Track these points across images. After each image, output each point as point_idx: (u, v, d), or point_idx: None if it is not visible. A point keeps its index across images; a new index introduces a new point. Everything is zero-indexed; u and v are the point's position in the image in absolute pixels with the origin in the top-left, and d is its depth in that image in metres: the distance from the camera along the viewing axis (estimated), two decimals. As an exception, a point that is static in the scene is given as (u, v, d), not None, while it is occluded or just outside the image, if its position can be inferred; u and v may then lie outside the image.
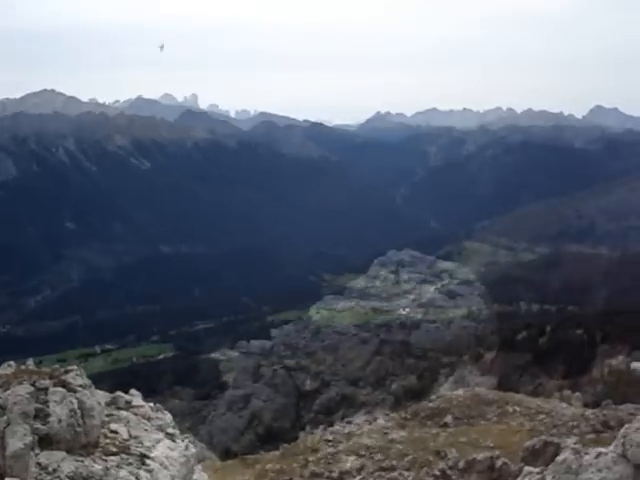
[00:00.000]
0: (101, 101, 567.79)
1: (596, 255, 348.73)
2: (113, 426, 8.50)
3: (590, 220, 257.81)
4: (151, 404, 9.34)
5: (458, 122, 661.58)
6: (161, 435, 8.69)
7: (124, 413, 8.89)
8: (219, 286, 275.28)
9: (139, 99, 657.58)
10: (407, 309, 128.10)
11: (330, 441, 11.89)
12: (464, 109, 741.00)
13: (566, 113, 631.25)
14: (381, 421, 19.39)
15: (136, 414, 8.97)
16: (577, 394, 50.52)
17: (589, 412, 31.98)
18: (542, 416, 29.35)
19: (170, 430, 8.98)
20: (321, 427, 16.24)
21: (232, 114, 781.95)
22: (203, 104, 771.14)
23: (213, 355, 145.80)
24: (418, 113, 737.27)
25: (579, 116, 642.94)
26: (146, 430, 8.66)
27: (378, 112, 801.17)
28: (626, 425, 10.59)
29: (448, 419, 23.42)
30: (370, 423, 21.10)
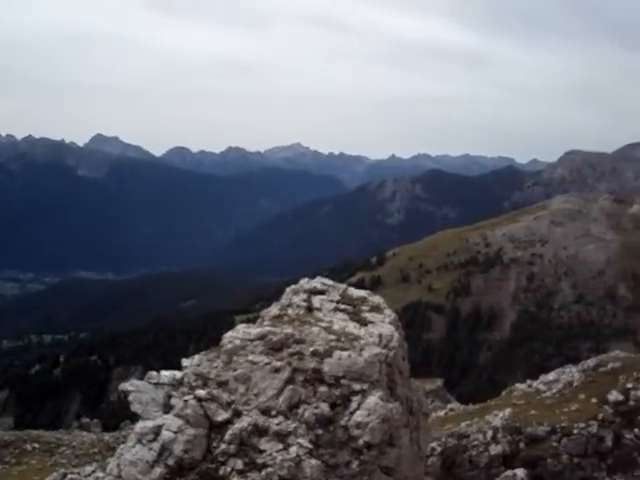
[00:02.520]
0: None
1: (102, 281, 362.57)
2: None
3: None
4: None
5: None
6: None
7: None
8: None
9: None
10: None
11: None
12: None
13: (68, 140, 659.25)
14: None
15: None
16: (95, 420, 51.72)
17: (108, 436, 32.98)
18: (63, 448, 29.60)
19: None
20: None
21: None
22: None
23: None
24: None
25: (81, 143, 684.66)
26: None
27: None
28: (121, 445, 11.08)
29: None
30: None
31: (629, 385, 27.55)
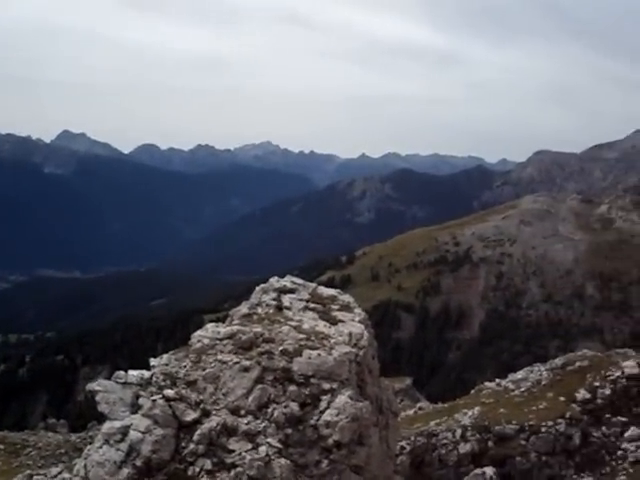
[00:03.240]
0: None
1: (69, 279, 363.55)
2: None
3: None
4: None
5: None
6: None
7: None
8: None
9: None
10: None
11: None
12: None
13: (34, 136, 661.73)
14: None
15: None
16: (62, 421, 51.52)
17: (75, 437, 32.95)
18: (29, 449, 29.36)
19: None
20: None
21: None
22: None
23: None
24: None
25: (48, 140, 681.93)
26: None
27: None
28: (88, 446, 11.05)
29: None
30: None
31: (596, 383, 27.78)
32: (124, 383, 12.97)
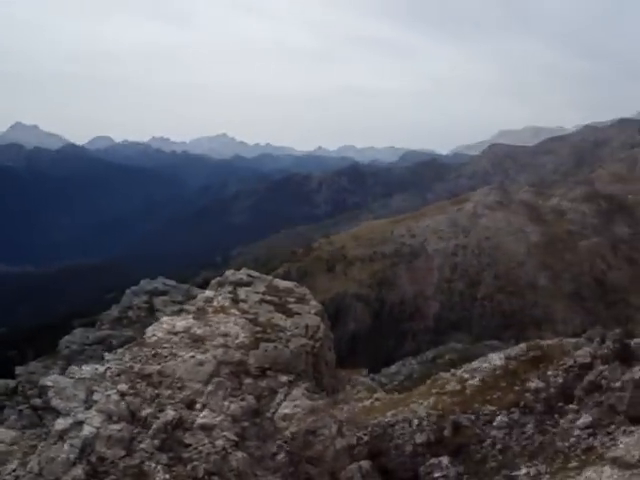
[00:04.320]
0: None
1: (21, 274, 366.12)
2: None
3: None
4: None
5: None
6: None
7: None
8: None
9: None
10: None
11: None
12: None
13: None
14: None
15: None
16: (15, 417, 52.15)
17: (28, 433, 33.17)
18: None
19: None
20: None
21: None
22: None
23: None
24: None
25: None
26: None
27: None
28: (42, 442, 11.09)
29: None
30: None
31: (549, 372, 28.24)
32: (78, 378, 12.78)
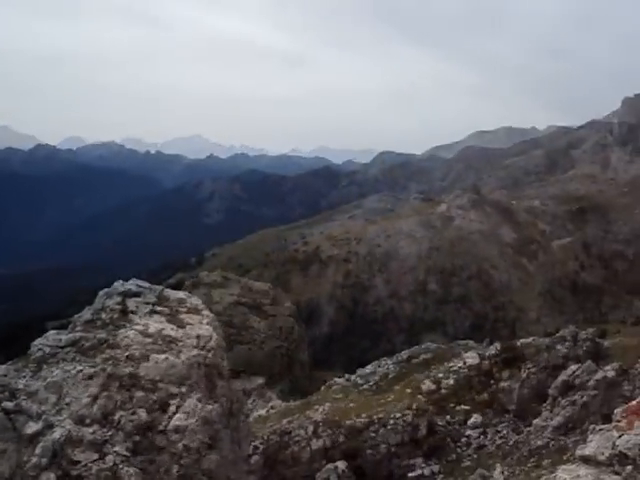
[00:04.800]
0: None
1: None
2: None
3: None
4: None
5: None
6: None
7: None
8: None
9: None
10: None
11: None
12: None
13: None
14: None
15: None
16: None
17: None
18: None
19: None
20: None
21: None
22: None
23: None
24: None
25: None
26: None
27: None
28: None
29: None
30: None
31: (440, 375, 28.85)
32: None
